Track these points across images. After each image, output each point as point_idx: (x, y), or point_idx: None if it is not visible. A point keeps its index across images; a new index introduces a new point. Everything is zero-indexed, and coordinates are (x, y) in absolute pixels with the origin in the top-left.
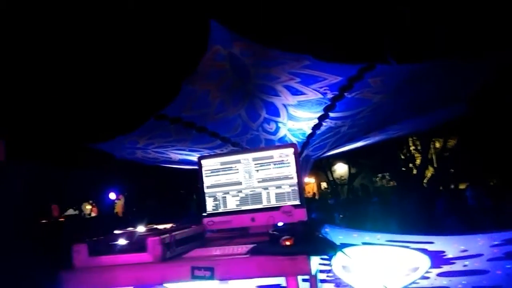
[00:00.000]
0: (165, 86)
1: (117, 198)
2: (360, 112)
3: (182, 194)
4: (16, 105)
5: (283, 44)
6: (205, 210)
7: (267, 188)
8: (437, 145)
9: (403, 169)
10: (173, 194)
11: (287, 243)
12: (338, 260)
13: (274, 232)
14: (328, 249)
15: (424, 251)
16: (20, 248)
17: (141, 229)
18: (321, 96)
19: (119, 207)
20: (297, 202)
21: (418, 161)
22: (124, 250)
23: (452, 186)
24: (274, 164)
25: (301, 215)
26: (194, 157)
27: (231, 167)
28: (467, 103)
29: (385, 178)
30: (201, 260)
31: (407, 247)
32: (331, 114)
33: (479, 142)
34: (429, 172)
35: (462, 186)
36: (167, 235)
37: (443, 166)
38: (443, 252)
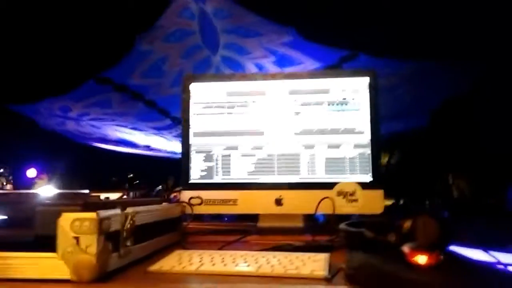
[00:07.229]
0: (114, 43)
1: (38, 177)
2: None
3: (114, 182)
4: None
5: (266, 10)
6: (188, 178)
7: (312, 147)
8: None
9: None
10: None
11: (425, 261)
12: None
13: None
14: None
15: None
16: None
17: (49, 191)
18: None
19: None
20: (368, 178)
21: None
22: None
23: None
24: (330, 105)
25: (376, 202)
26: (135, 136)
27: (247, 102)
28: (430, 115)
29: None
30: (181, 283)
31: None
32: None
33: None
34: None
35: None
36: (116, 211)
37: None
38: None
